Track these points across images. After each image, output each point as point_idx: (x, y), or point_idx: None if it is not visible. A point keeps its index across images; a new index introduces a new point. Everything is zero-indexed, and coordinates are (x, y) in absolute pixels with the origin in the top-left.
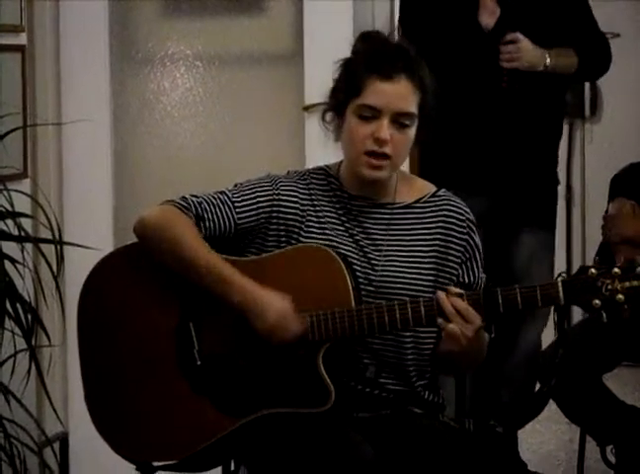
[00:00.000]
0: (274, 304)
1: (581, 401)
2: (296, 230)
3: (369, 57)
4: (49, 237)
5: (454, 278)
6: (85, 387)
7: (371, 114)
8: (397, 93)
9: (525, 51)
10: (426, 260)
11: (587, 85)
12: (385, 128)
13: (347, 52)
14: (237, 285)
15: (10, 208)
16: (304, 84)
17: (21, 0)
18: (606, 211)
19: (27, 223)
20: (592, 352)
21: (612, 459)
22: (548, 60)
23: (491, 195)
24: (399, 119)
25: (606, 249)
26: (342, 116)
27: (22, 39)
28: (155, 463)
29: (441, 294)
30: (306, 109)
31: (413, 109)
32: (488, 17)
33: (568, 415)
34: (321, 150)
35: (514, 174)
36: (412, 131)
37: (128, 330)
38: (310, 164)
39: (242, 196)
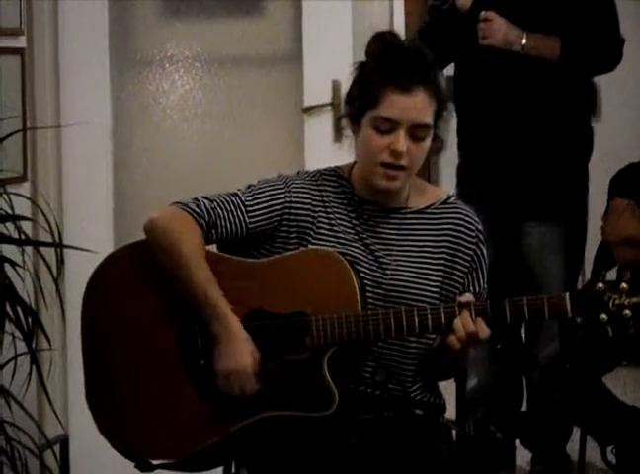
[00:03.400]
0: (243, 357)
1: (581, 402)
2: (307, 231)
3: (386, 66)
4: (49, 240)
5: (460, 287)
6: (87, 383)
7: (388, 126)
8: (414, 105)
9: (498, 29)
10: (434, 266)
11: None
12: (402, 141)
13: (347, 54)
14: (222, 319)
15: (10, 211)
16: (303, 86)
17: (20, 3)
18: (606, 211)
19: (27, 226)
20: (592, 353)
21: (613, 460)
22: (525, 41)
23: (498, 185)
24: (415, 132)
25: (606, 249)
26: (357, 124)
27: (21, 41)
28: (155, 462)
29: (458, 322)
30: (305, 110)
31: (429, 120)
32: None
33: (568, 415)
34: (320, 152)
35: (519, 164)
36: (427, 142)
37: (133, 329)
38: (310, 166)
39: (255, 199)
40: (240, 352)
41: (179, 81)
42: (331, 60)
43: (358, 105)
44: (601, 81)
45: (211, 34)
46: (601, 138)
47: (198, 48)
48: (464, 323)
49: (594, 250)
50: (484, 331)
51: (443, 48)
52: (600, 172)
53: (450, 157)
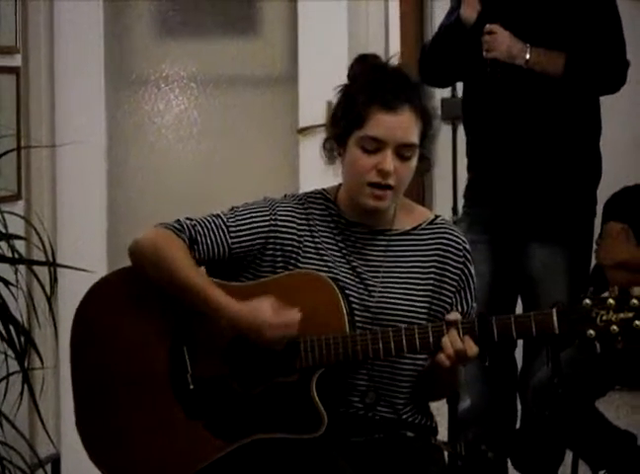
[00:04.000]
0: (264, 318)
1: (573, 425)
2: (294, 255)
3: (371, 86)
4: (43, 259)
5: (448, 307)
6: (77, 412)
7: (375, 145)
8: (400, 124)
9: (502, 42)
10: (421, 287)
11: None
12: (389, 160)
13: (342, 75)
14: (229, 309)
15: (3, 230)
16: (299, 106)
17: (15, 21)
18: (600, 235)
19: (20, 245)
20: (584, 377)
21: None
22: (528, 55)
23: (505, 205)
24: (402, 151)
25: (600, 272)
26: (343, 145)
27: (16, 60)
28: None
29: (446, 340)
30: (301, 131)
31: (415, 139)
32: (470, 11)
33: (560, 439)
34: (315, 173)
35: (527, 184)
36: (414, 162)
37: (121, 354)
38: (304, 187)
39: (237, 220)
40: (257, 319)
41: (174, 101)
42: (326, 81)
43: (343, 125)
44: None
45: (207, 54)
46: None
47: (193, 68)
48: (452, 341)
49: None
50: (472, 349)
51: (449, 63)
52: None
53: (444, 175)
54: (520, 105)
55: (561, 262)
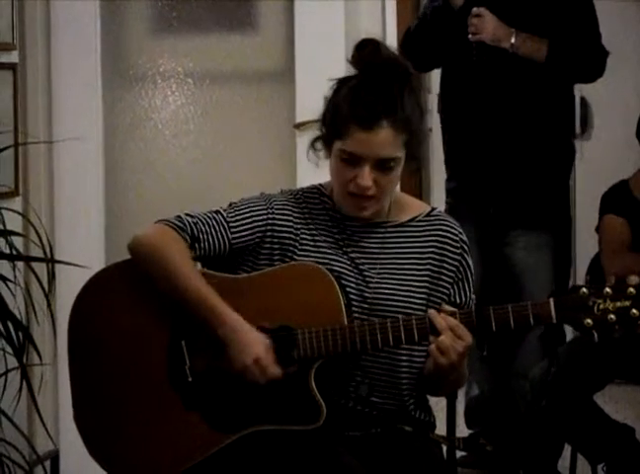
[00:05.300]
0: (253, 346)
1: (572, 419)
2: (290, 248)
3: (352, 98)
4: (41, 255)
5: (446, 298)
6: (74, 406)
7: (353, 159)
8: (378, 142)
9: (488, 25)
10: (419, 278)
11: (577, 102)
12: (366, 176)
13: (339, 70)
14: (223, 318)
15: (1, 227)
16: (295, 102)
17: (12, 18)
18: (597, 229)
19: (18, 241)
20: (583, 370)
21: None
22: (514, 39)
23: (484, 197)
24: (382, 164)
25: (597, 263)
26: (329, 146)
27: (13, 56)
28: None
29: (434, 311)
30: (297, 126)
31: (396, 153)
32: None
33: (559, 433)
34: (312, 168)
35: (504, 175)
36: (397, 170)
37: (120, 347)
38: (301, 181)
39: (237, 215)
40: (249, 342)
41: (171, 96)
42: (323, 76)
43: (328, 131)
44: (592, 99)
45: (204, 49)
46: (592, 156)
47: (190, 64)
48: (443, 317)
49: (584, 265)
50: (467, 334)
51: (433, 45)
52: (591, 189)
53: (441, 170)
54: (499, 94)
55: (544, 247)
